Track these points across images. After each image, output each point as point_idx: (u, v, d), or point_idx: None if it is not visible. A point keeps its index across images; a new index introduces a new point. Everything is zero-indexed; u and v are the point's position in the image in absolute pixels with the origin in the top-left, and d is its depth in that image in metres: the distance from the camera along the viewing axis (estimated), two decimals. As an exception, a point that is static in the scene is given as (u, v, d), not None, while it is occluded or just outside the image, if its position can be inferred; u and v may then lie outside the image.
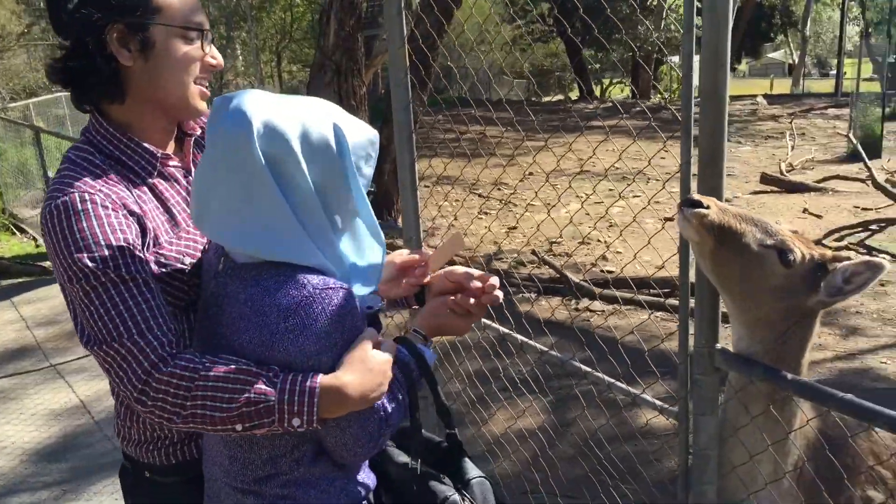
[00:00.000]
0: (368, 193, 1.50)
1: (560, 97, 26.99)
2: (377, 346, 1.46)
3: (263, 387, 1.36)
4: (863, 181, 10.48)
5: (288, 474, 1.48)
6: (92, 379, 5.39)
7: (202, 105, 1.66)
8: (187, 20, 1.59)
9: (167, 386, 1.37)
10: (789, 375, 1.70)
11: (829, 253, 1.76)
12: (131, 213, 1.52)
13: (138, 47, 1.55)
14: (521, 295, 6.50)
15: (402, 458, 1.65)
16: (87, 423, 4.84)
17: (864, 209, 9.55)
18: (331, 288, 1.40)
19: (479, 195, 10.40)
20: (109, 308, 1.42)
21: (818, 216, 9.34)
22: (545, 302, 6.49)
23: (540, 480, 3.31)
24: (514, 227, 8.65)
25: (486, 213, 9.54)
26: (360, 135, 1.45)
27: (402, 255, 1.79)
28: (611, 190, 9.46)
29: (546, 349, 2.39)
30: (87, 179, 1.51)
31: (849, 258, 1.75)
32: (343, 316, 1.41)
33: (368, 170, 1.47)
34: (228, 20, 21.26)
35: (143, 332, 1.41)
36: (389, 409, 1.48)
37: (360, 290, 1.51)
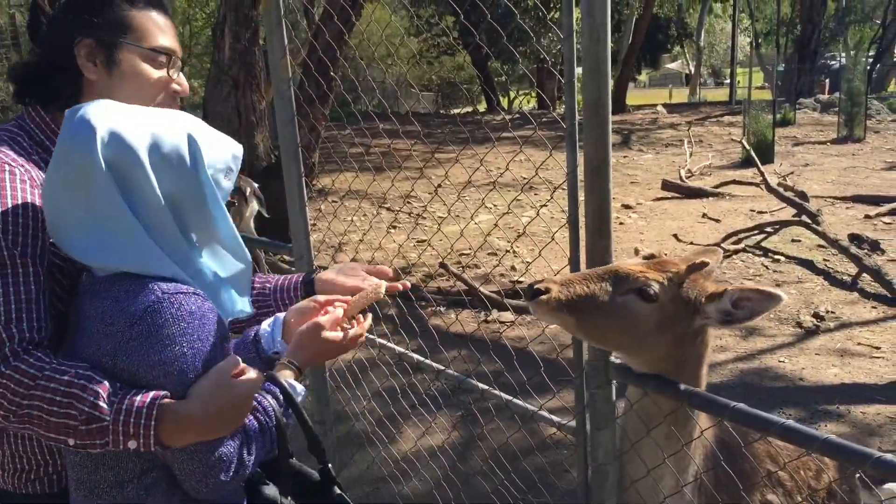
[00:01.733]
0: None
1: (468, 109, 27.22)
2: (239, 374, 1.36)
3: (102, 404, 1.30)
4: (757, 185, 10.89)
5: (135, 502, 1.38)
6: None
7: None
8: (156, 43, 1.63)
9: (8, 381, 1.31)
10: (682, 386, 1.67)
11: (682, 267, 1.71)
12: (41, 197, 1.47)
13: (104, 62, 1.59)
14: (430, 308, 6.43)
15: (270, 489, 1.57)
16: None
17: (759, 212, 9.92)
18: (181, 293, 1.34)
19: (389, 209, 10.32)
20: None
21: (717, 220, 9.65)
22: (454, 315, 6.44)
23: (452, 497, 3.23)
24: (424, 241, 8.59)
25: (395, 227, 9.46)
26: (220, 148, 1.43)
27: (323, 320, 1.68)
28: (518, 200, 9.55)
29: (442, 368, 2.32)
30: (9, 153, 1.49)
31: (704, 264, 1.69)
32: (193, 322, 1.33)
33: (228, 183, 1.45)
34: (125, 35, 20.60)
35: (13, 322, 1.35)
36: (249, 443, 1.40)
37: (234, 302, 1.49)
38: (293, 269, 1.97)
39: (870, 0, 29.94)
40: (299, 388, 1.52)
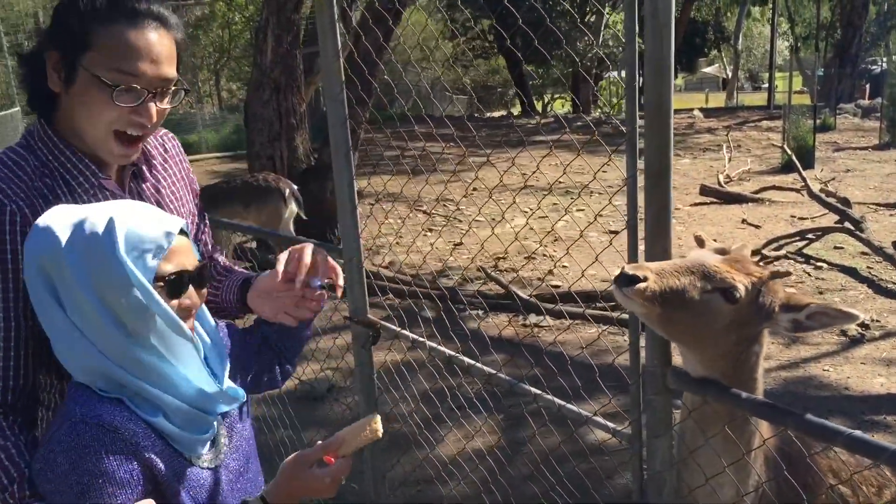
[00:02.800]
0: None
1: (502, 112, 27.19)
2: None
3: (15, 488, 1.36)
4: (797, 191, 10.73)
5: None
6: None
7: (119, 149, 1.55)
8: (116, 67, 1.47)
9: None
10: (744, 394, 1.64)
11: (765, 273, 1.70)
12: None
13: (63, 77, 1.50)
14: (467, 312, 6.42)
15: None
16: None
17: (800, 218, 9.76)
18: (83, 422, 1.31)
19: (424, 212, 10.33)
20: None
21: (756, 226, 9.51)
22: (492, 319, 6.42)
23: (501, 500, 3.21)
24: (460, 244, 8.59)
25: (430, 230, 9.46)
26: (149, 226, 1.36)
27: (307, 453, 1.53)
28: (555, 204, 9.49)
29: (494, 371, 2.31)
30: (10, 192, 1.45)
31: (788, 273, 1.70)
32: (88, 456, 1.30)
33: (154, 262, 1.35)
34: (165, 39, 20.86)
35: None
36: None
37: (189, 383, 1.41)
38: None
39: (913, 3, 29.32)
40: None
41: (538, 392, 2.18)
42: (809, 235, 8.31)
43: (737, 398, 1.65)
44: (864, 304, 6.51)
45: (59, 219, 1.35)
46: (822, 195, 8.88)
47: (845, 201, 8.75)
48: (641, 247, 1.78)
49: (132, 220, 1.35)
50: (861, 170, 13.58)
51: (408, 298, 6.06)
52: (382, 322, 2.69)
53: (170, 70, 1.53)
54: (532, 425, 4.13)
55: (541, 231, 8.39)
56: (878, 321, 6.13)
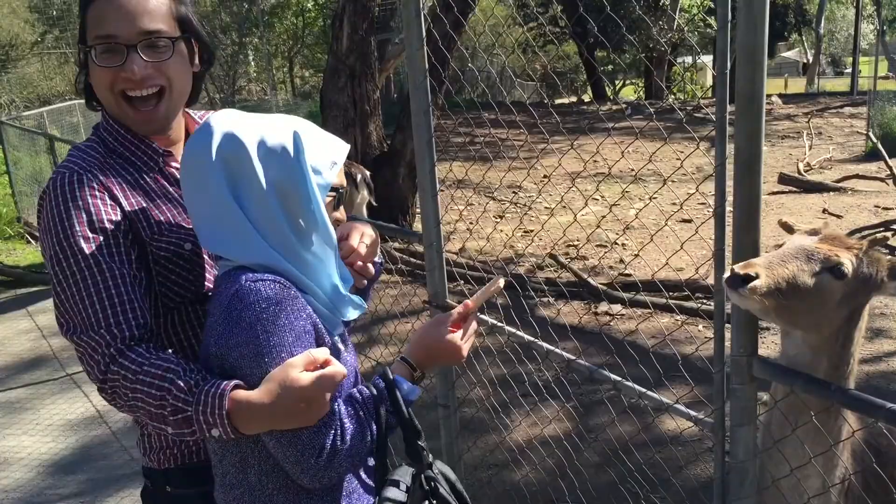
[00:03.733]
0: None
1: (573, 99, 26.88)
2: (315, 368, 1.39)
3: (185, 396, 1.40)
4: (882, 180, 10.36)
5: (260, 490, 1.48)
6: (109, 388, 5.35)
7: (133, 113, 1.64)
8: (95, 34, 1.59)
9: (116, 376, 1.45)
10: (833, 385, 1.63)
11: (864, 244, 1.73)
12: (118, 203, 1.57)
13: (87, 65, 1.64)
14: (535, 301, 6.42)
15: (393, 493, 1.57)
16: (104, 434, 4.81)
17: (884, 209, 9.43)
18: (261, 280, 1.42)
19: (495, 198, 10.34)
20: (78, 296, 1.48)
21: (838, 216, 9.22)
22: (564, 306, 6.41)
23: (566, 489, 3.23)
24: (531, 231, 8.58)
25: (501, 217, 9.47)
26: (324, 143, 1.53)
27: (445, 318, 1.68)
28: (626, 192, 9.40)
29: (573, 357, 2.32)
30: (84, 165, 1.59)
31: (886, 238, 1.78)
32: (269, 307, 1.40)
33: (331, 174, 1.51)
34: (241, 26, 21.30)
35: (104, 325, 1.47)
36: (343, 432, 1.45)
37: (336, 286, 1.55)
38: (408, 255, 2.00)
39: None
40: (407, 386, 1.54)
41: (618, 379, 2.19)
42: (894, 226, 8.02)
43: (826, 388, 1.63)
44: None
45: (241, 125, 1.47)
46: (909, 185, 8.55)
47: (934, 191, 8.41)
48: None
49: (312, 136, 1.51)
50: (951, 159, 13.00)
51: (479, 285, 6.10)
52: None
53: (150, 23, 1.59)
54: (610, 411, 4.13)
55: (611, 219, 8.32)
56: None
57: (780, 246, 1.83)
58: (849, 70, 29.97)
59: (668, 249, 6.45)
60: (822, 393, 1.64)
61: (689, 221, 8.29)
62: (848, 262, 1.66)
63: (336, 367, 1.40)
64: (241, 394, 1.38)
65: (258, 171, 1.44)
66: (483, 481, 3.81)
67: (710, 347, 1.91)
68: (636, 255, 7.50)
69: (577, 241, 7.77)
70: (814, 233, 1.76)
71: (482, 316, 2.67)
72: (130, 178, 1.63)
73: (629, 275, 7.04)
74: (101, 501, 4.08)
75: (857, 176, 11.12)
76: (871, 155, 12.28)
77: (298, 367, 1.37)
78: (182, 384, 1.40)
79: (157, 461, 1.70)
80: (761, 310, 1.64)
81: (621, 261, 7.61)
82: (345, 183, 1.60)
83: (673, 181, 9.71)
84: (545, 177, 10.30)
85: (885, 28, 30.23)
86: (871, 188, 10.60)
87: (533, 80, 23.25)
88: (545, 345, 2.42)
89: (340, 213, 1.63)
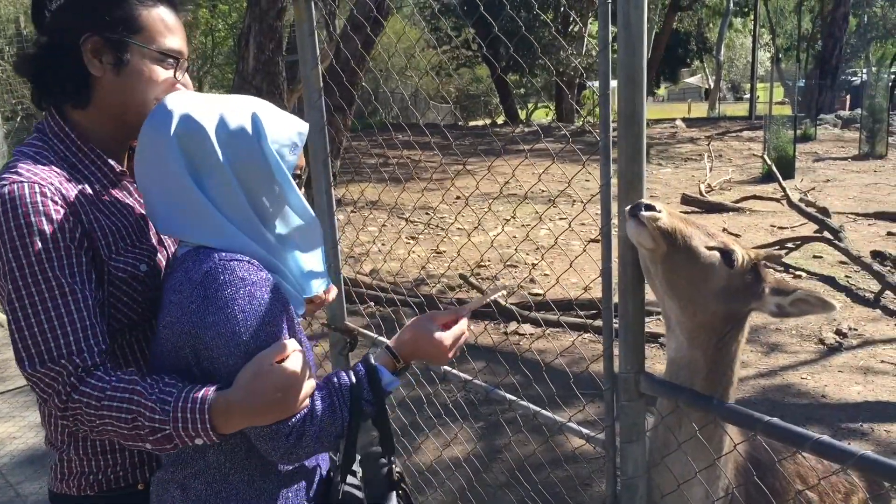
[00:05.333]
0: None
1: (487, 122, 27.24)
2: (284, 359, 1.38)
3: (158, 417, 1.35)
4: (777, 201, 10.82)
5: (217, 469, 1.47)
6: (-4, 421, 5.07)
7: None
8: (165, 46, 1.59)
9: (80, 405, 1.38)
10: (715, 400, 1.66)
11: (762, 253, 1.80)
12: (79, 218, 1.47)
13: (111, 62, 1.55)
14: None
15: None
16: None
17: (780, 228, 9.86)
18: (236, 260, 1.40)
19: (406, 219, 10.34)
20: (36, 322, 1.39)
21: (737, 235, 9.58)
22: (475, 326, 6.43)
23: (476, 509, 3.22)
24: (442, 252, 8.60)
25: (412, 238, 9.47)
26: (284, 124, 1.50)
27: (439, 315, 1.67)
28: (536, 212, 9.54)
29: (469, 378, 2.31)
30: (38, 174, 1.47)
31: (780, 255, 1.78)
32: (245, 287, 1.38)
33: (292, 157, 1.50)
34: (148, 45, 20.79)
35: (65, 354, 1.38)
36: (312, 413, 1.44)
37: (301, 268, 1.55)
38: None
39: (892, 16, 29.73)
40: (388, 376, 1.53)
41: (513, 399, 2.19)
42: (789, 244, 8.39)
43: (707, 402, 1.67)
44: (842, 313, 6.57)
45: (197, 106, 1.44)
46: (802, 205, 8.96)
47: (824, 211, 8.83)
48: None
49: (271, 117, 1.48)
50: (841, 180, 13.74)
51: (387, 306, 6.06)
52: (360, 329, 2.70)
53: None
54: (515, 431, 4.14)
55: (521, 239, 8.42)
56: (855, 329, 6.19)
57: None
58: (748, 95, 31.35)
59: (577, 268, 6.56)
60: (705, 406, 1.68)
61: (597, 241, 8.47)
62: (740, 255, 1.72)
63: (297, 357, 1.40)
64: (219, 399, 1.35)
65: (218, 152, 1.42)
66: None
67: (571, 355, 1.93)
68: (531, 274, 7.61)
69: (489, 261, 7.83)
70: (733, 239, 1.84)
71: (382, 339, 2.63)
72: (88, 192, 1.53)
73: (538, 294, 7.13)
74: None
75: (754, 197, 11.61)
76: (767, 177, 12.86)
77: (270, 359, 1.36)
78: (151, 404, 1.35)
79: (77, 487, 1.60)
80: (651, 252, 1.66)
81: (532, 280, 7.70)
82: (304, 164, 1.60)
83: (582, 201, 9.91)
84: (458, 198, 10.40)
85: (780, 56, 31.82)
86: (768, 208, 11.08)
87: (448, 102, 23.49)
88: (443, 366, 2.40)
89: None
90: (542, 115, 31.47)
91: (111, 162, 1.61)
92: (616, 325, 1.86)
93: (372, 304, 6.28)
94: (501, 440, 4.37)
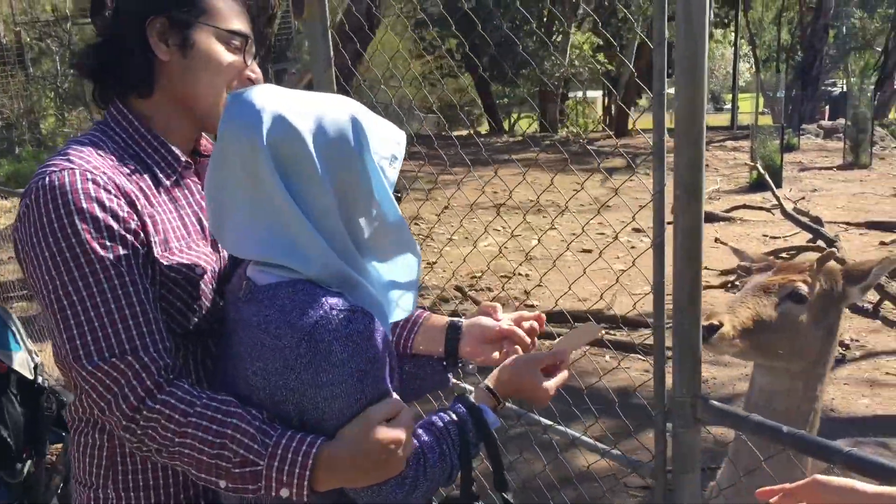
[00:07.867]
0: None
1: (469, 132, 27.19)
2: (392, 417, 1.24)
3: (257, 447, 1.19)
4: (768, 210, 10.78)
5: None
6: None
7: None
8: (232, 26, 1.50)
9: (159, 416, 1.21)
10: (785, 429, 1.52)
11: (813, 264, 1.77)
12: (136, 210, 1.34)
13: (178, 43, 1.45)
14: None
15: None
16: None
17: (772, 237, 9.81)
18: (349, 310, 1.23)
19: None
20: (94, 311, 1.23)
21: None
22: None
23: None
24: (434, 262, 8.45)
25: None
26: (385, 132, 1.32)
27: (540, 358, 1.51)
28: (528, 223, 9.42)
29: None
30: (92, 162, 1.35)
31: (832, 253, 1.84)
32: (361, 343, 1.22)
33: (393, 172, 1.32)
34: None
35: (141, 349, 1.23)
36: (425, 464, 1.30)
37: (395, 304, 1.40)
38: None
39: (870, 27, 30.08)
40: (492, 416, 1.41)
41: (549, 423, 2.05)
42: (783, 255, 8.31)
43: (778, 432, 1.53)
44: (843, 324, 6.49)
45: (292, 106, 1.25)
46: (795, 214, 8.91)
47: (817, 220, 8.77)
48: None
49: (370, 123, 1.29)
50: (828, 189, 13.75)
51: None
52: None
53: None
54: (521, 447, 3.99)
55: (515, 250, 8.29)
56: (857, 340, 6.12)
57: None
58: (728, 106, 31.59)
59: (571, 280, 6.43)
60: (774, 437, 1.54)
61: (590, 251, 8.36)
62: (803, 284, 1.69)
63: (407, 417, 1.26)
64: (325, 451, 1.20)
65: (316, 162, 1.23)
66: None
67: (616, 378, 1.82)
68: (527, 288, 7.49)
69: (480, 272, 7.69)
70: (767, 268, 1.74)
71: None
72: (145, 185, 1.40)
73: (533, 306, 6.99)
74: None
75: (744, 206, 11.57)
76: (755, 186, 12.84)
77: (380, 417, 1.22)
78: (252, 431, 1.19)
79: None
80: (738, 352, 1.65)
81: (526, 292, 7.56)
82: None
83: (571, 212, 9.81)
84: (446, 208, 10.25)
85: (760, 67, 32.09)
86: (759, 218, 11.04)
87: (432, 111, 23.39)
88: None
89: None
90: (525, 125, 31.47)
91: (176, 151, 1.47)
92: (669, 343, 1.72)
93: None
94: (509, 457, 4.21)
